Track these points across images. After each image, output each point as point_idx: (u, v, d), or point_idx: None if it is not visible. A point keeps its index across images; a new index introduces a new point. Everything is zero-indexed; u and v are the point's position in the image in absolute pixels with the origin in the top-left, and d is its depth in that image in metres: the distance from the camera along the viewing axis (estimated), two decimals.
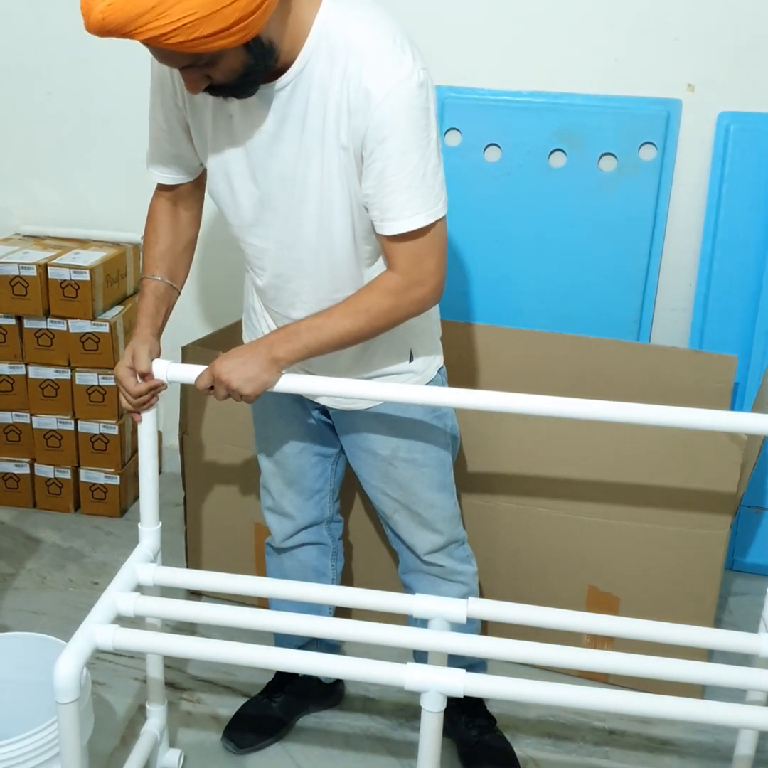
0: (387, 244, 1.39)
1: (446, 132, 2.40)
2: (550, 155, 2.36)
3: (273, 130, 1.37)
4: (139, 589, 1.47)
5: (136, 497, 2.63)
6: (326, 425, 1.68)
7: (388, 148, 1.31)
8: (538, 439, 1.93)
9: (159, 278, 1.54)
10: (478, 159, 2.40)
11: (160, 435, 2.81)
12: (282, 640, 1.80)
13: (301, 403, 1.65)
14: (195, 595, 2.14)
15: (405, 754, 1.80)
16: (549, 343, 2.32)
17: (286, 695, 1.88)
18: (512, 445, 1.95)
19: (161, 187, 1.56)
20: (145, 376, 1.46)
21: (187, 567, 2.23)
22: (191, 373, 1.49)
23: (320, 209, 1.40)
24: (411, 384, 1.57)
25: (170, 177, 1.53)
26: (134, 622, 1.40)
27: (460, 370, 2.34)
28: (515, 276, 2.44)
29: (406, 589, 1.78)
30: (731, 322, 2.37)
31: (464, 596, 1.69)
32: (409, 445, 1.60)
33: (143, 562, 1.50)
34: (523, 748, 1.85)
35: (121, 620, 1.34)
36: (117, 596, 1.39)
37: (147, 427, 1.49)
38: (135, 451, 2.63)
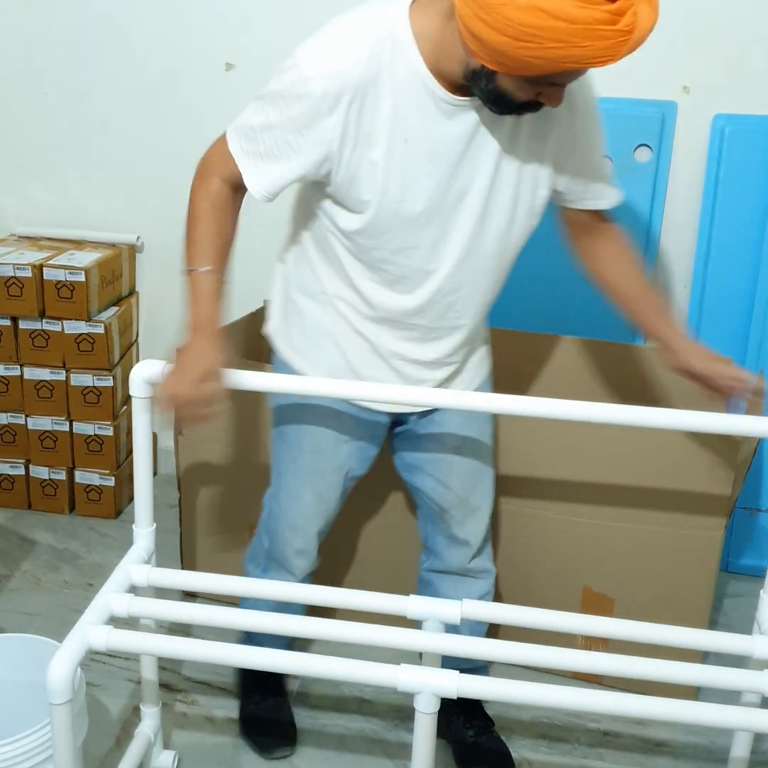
0: None
1: None
2: None
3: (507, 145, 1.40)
4: (134, 590, 1.47)
5: (131, 499, 2.65)
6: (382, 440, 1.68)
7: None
8: (532, 440, 1.93)
9: (223, 278, 1.46)
10: None
11: (154, 436, 2.81)
12: (257, 640, 1.79)
13: (364, 417, 1.61)
14: (189, 597, 2.14)
15: (400, 756, 1.80)
16: (543, 345, 2.33)
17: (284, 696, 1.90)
18: (506, 446, 1.95)
19: (226, 176, 1.43)
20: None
21: (182, 568, 2.23)
22: None
23: (509, 219, 1.46)
24: None
25: (280, 183, 1.41)
26: (129, 623, 1.39)
27: None
28: (510, 279, 2.43)
29: (423, 586, 1.80)
30: (726, 324, 2.37)
31: (485, 595, 1.74)
32: (475, 438, 1.66)
33: (137, 563, 1.49)
34: (518, 749, 1.85)
35: (116, 621, 1.34)
36: (111, 597, 1.39)
37: (141, 427, 1.49)
38: (130, 452, 2.64)
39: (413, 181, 1.37)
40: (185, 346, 1.40)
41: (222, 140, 1.45)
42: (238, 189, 1.45)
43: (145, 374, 1.46)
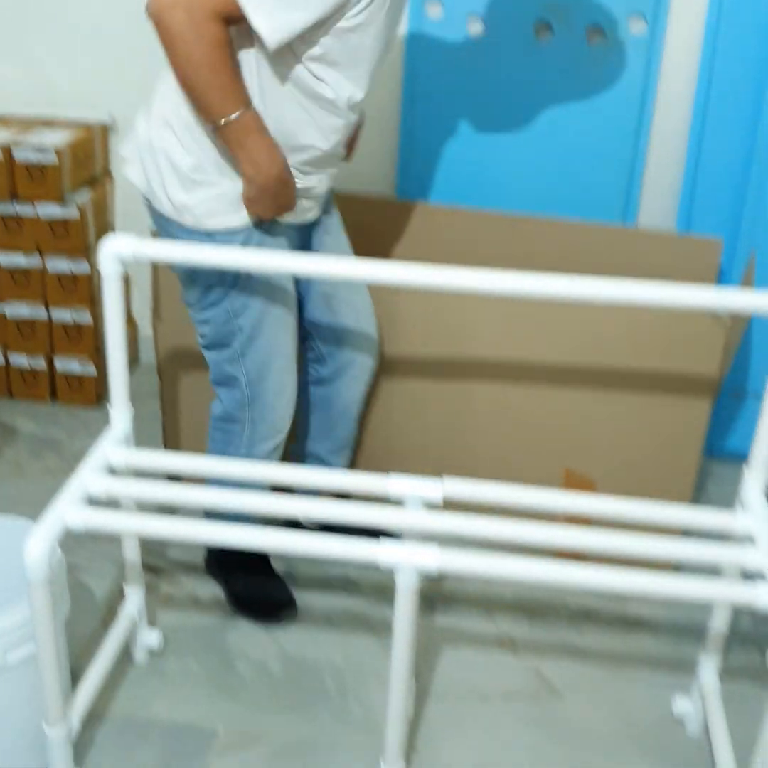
0: None
1: (426, 4, 2.28)
2: (536, 29, 2.25)
3: None
4: (113, 473, 1.45)
5: None
6: None
7: None
8: (515, 320, 1.89)
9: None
10: (460, 33, 2.29)
11: (135, 324, 2.77)
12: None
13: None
14: (174, 482, 2.13)
15: (385, 633, 1.82)
16: (532, 227, 2.26)
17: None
18: (488, 327, 1.91)
19: (223, 15, 1.39)
20: None
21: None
22: (161, 250, 1.43)
23: None
24: None
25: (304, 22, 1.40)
26: (112, 506, 1.38)
27: (441, 255, 2.29)
28: (497, 156, 2.36)
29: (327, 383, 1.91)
30: (720, 203, 2.31)
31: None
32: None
33: (115, 446, 1.47)
34: (499, 625, 1.88)
35: (98, 505, 1.32)
36: (88, 478, 1.37)
37: (113, 306, 1.44)
38: None
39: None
40: (263, 195, 1.53)
41: None
42: (228, 25, 1.41)
43: (116, 250, 1.40)
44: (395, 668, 1.36)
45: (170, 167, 1.56)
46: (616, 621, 1.91)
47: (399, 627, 1.33)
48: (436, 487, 1.42)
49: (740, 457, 2.43)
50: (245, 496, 1.36)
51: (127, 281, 2.72)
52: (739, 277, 2.32)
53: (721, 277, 2.34)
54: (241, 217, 1.59)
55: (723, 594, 1.26)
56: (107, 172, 2.64)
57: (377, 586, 1.97)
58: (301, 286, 1.81)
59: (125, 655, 1.73)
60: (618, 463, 1.95)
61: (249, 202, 1.56)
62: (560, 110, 2.28)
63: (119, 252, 1.39)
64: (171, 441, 2.22)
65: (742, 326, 1.85)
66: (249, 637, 1.82)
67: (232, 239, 1.59)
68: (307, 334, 1.86)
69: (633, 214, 2.36)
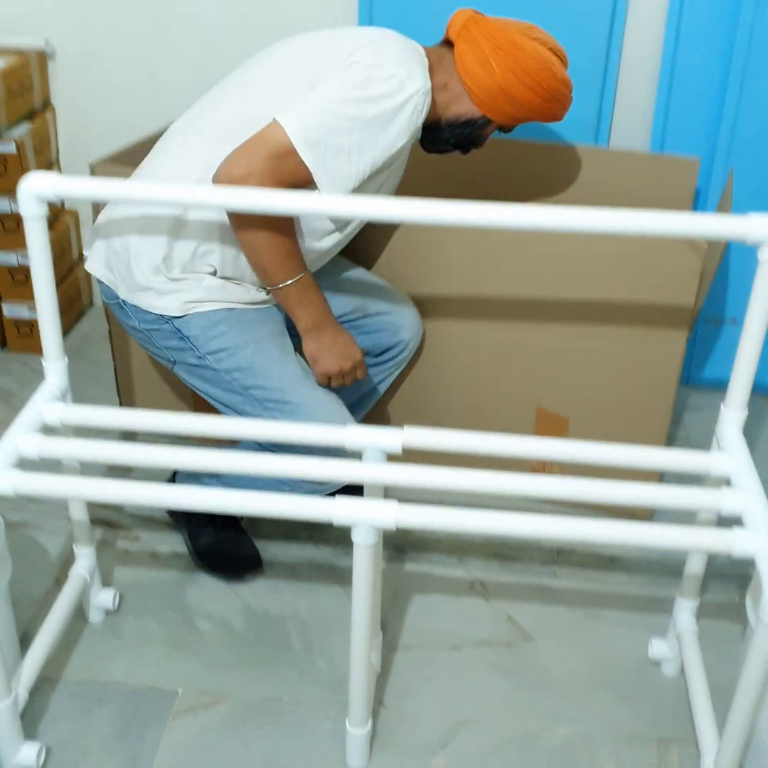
0: None
1: None
2: None
3: None
4: (51, 432, 1.36)
5: (67, 331, 2.50)
6: None
7: None
8: (480, 253, 1.78)
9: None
10: None
11: (81, 257, 2.63)
12: (199, 479, 1.74)
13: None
14: (130, 437, 2.04)
15: (350, 583, 1.76)
16: (504, 149, 2.13)
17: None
18: (456, 262, 1.80)
19: (288, 184, 1.44)
20: None
21: (120, 406, 2.12)
22: (84, 187, 1.31)
23: None
24: None
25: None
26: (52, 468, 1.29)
27: (410, 184, 2.17)
28: None
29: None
30: (694, 121, 2.18)
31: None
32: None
33: (49, 401, 1.37)
34: (470, 570, 1.82)
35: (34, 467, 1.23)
36: (19, 439, 1.28)
37: (37, 249, 1.31)
38: (60, 281, 2.47)
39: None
40: (323, 343, 1.56)
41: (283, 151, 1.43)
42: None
43: (35, 189, 1.28)
44: (356, 627, 1.29)
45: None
46: (591, 561, 1.85)
47: (358, 586, 1.26)
48: (395, 436, 1.33)
49: (716, 384, 2.37)
50: (198, 453, 1.27)
51: (77, 221, 2.58)
52: (716, 197, 2.21)
53: (697, 198, 2.23)
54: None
55: (698, 541, 1.19)
56: (48, 104, 2.47)
57: (342, 533, 1.88)
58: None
59: (80, 617, 1.66)
60: (592, 399, 1.86)
61: (312, 360, 1.58)
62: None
63: (38, 191, 1.26)
64: (124, 387, 2.11)
65: (719, 251, 1.75)
66: (210, 592, 1.75)
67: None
68: None
69: (605, 136, 2.24)
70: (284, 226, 1.48)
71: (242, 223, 1.46)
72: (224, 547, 1.81)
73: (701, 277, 1.71)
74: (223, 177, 1.41)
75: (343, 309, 1.73)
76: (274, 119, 1.44)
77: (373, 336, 1.79)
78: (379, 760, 1.44)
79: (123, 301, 1.58)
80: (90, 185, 1.35)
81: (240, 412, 1.60)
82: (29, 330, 2.45)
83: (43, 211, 1.29)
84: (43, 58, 2.41)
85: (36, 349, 2.48)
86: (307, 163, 1.44)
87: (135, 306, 1.56)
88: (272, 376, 1.56)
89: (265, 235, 1.46)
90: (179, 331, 1.56)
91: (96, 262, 1.62)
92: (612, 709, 1.55)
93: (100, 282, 1.63)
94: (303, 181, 1.45)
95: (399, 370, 1.87)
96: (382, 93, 1.44)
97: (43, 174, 1.28)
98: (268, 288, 1.55)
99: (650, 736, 1.50)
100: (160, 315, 1.55)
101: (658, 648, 1.61)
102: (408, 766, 1.44)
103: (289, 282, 1.51)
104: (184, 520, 1.84)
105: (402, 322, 1.80)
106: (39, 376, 2.36)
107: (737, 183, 2.04)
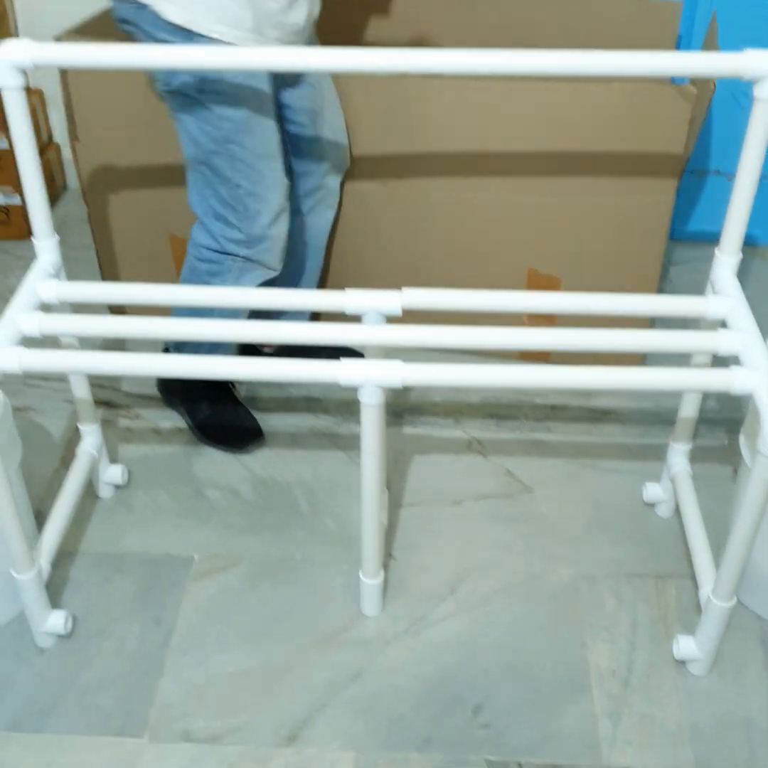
0: None
1: None
2: None
3: None
4: (47, 309, 1.35)
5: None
6: None
7: None
8: (467, 107, 1.75)
9: None
10: None
11: (57, 147, 2.56)
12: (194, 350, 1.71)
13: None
14: (119, 312, 2.03)
15: (352, 447, 1.80)
16: None
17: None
18: (441, 117, 1.77)
19: None
20: None
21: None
22: (62, 54, 1.26)
23: None
24: None
25: None
26: (50, 344, 1.29)
27: (385, 32, 2.11)
28: None
29: (299, 213, 1.80)
30: None
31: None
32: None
33: (44, 279, 1.36)
34: (466, 430, 1.87)
35: (35, 345, 1.23)
36: (19, 317, 1.27)
37: (17, 122, 1.27)
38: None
39: None
40: None
41: None
42: None
43: (11, 57, 1.22)
44: (365, 486, 1.33)
45: None
46: (584, 415, 1.90)
47: (366, 444, 1.29)
48: (394, 299, 1.33)
49: (702, 237, 2.38)
50: (196, 324, 1.27)
51: (42, 100, 2.49)
52: (699, 43, 2.17)
53: (679, 45, 2.18)
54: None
55: (697, 381, 1.23)
56: None
57: (341, 402, 1.93)
58: (285, 99, 1.65)
59: (90, 493, 1.69)
60: (582, 257, 1.87)
61: None
62: None
63: (16, 59, 1.21)
64: (107, 268, 2.09)
65: (708, 96, 1.73)
66: (216, 464, 1.79)
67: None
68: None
69: None
70: None
71: None
72: (223, 419, 1.83)
73: (690, 123, 1.69)
74: None
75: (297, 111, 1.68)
76: None
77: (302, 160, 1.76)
78: (393, 608, 1.51)
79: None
80: (70, 51, 1.29)
81: (204, 161, 1.57)
82: (6, 216, 2.40)
83: (21, 81, 1.24)
84: None
85: (15, 234, 2.45)
86: None
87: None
88: (255, 145, 1.54)
89: None
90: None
91: None
92: (611, 550, 1.62)
93: None
94: None
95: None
96: None
97: (18, 41, 1.23)
98: None
99: (649, 572, 1.57)
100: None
101: (652, 491, 1.67)
102: (420, 611, 1.51)
103: None
104: (180, 399, 1.86)
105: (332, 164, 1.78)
106: (20, 262, 2.35)
107: (722, 26, 1.99)
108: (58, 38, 1.77)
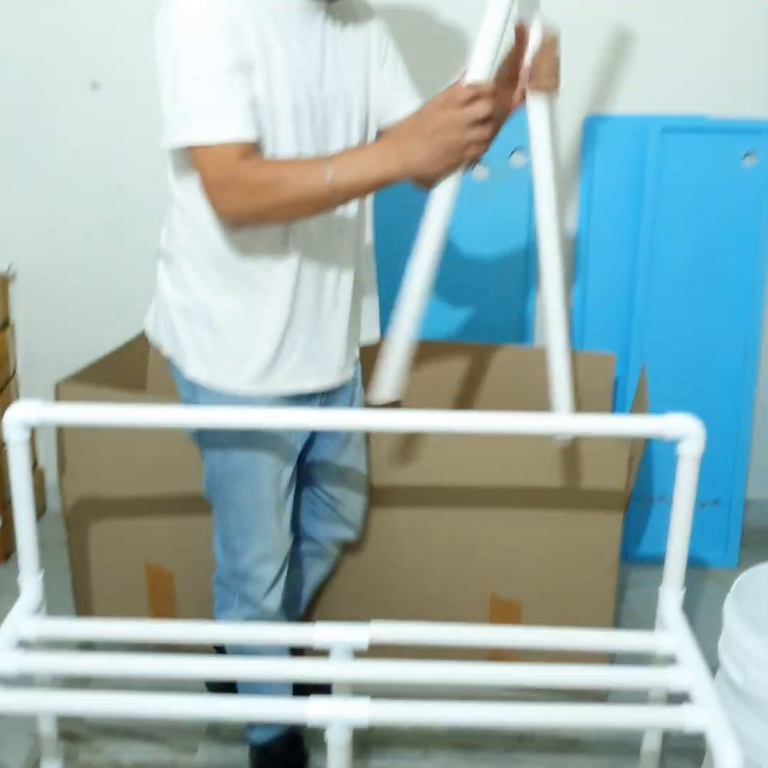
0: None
1: None
2: None
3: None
4: (24, 644, 1.39)
5: None
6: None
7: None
8: (426, 448, 1.92)
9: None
10: None
11: (41, 472, 2.70)
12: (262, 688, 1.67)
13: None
14: (86, 644, 2.04)
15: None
16: (435, 350, 2.32)
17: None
18: (394, 455, 1.93)
19: (247, 148, 1.36)
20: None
21: (76, 614, 2.13)
22: (67, 414, 1.42)
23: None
24: None
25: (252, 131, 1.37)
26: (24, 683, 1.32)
27: None
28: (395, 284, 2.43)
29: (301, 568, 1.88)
30: (609, 321, 2.43)
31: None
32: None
33: (26, 616, 1.41)
34: (435, 762, 1.84)
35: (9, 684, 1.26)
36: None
37: (20, 474, 1.41)
38: None
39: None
40: (419, 153, 1.37)
41: (204, 153, 1.35)
42: (254, 151, 1.38)
43: (21, 416, 1.38)
44: None
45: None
46: (552, 745, 1.89)
47: None
48: (362, 633, 1.40)
49: (653, 559, 2.49)
50: (175, 661, 1.32)
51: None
52: (633, 385, 2.42)
53: (616, 386, 2.44)
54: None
55: (651, 719, 1.28)
56: (7, 323, 2.60)
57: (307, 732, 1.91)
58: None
59: None
60: (541, 583, 1.96)
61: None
62: (455, 240, 2.38)
63: (25, 419, 1.37)
64: (82, 598, 2.13)
65: (643, 439, 1.93)
66: None
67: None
68: None
69: (530, 335, 2.46)
70: (274, 169, 1.37)
71: (269, 209, 1.36)
72: None
73: (630, 464, 1.86)
74: (225, 212, 1.38)
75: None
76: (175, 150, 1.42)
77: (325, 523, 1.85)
78: None
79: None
80: (74, 413, 1.44)
81: (209, 495, 1.65)
82: None
83: (27, 436, 1.39)
84: (4, 280, 2.56)
85: None
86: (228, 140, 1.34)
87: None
88: (245, 494, 1.59)
89: (266, 183, 1.34)
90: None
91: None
92: None
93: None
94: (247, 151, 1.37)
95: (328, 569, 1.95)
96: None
97: (27, 402, 1.38)
98: (327, 206, 1.38)
99: None
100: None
101: None
102: None
103: (327, 174, 1.33)
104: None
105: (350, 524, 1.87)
106: None
107: (650, 372, 2.26)
108: (58, 386, 1.95)
